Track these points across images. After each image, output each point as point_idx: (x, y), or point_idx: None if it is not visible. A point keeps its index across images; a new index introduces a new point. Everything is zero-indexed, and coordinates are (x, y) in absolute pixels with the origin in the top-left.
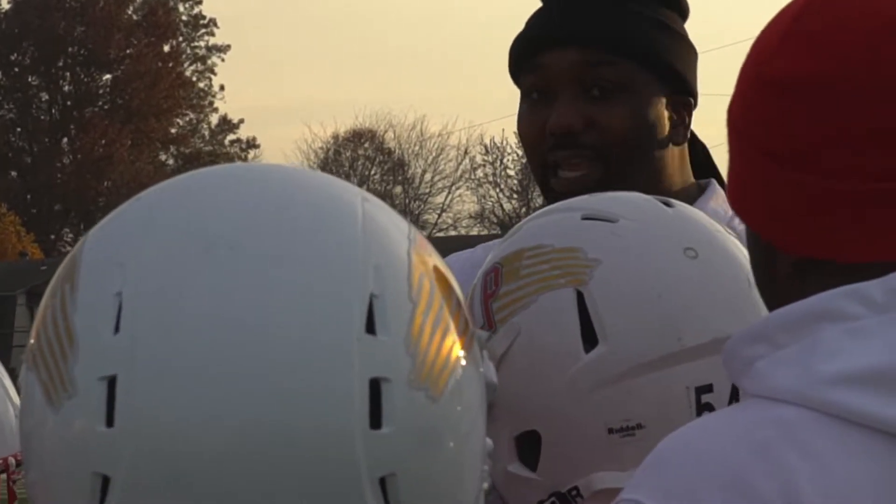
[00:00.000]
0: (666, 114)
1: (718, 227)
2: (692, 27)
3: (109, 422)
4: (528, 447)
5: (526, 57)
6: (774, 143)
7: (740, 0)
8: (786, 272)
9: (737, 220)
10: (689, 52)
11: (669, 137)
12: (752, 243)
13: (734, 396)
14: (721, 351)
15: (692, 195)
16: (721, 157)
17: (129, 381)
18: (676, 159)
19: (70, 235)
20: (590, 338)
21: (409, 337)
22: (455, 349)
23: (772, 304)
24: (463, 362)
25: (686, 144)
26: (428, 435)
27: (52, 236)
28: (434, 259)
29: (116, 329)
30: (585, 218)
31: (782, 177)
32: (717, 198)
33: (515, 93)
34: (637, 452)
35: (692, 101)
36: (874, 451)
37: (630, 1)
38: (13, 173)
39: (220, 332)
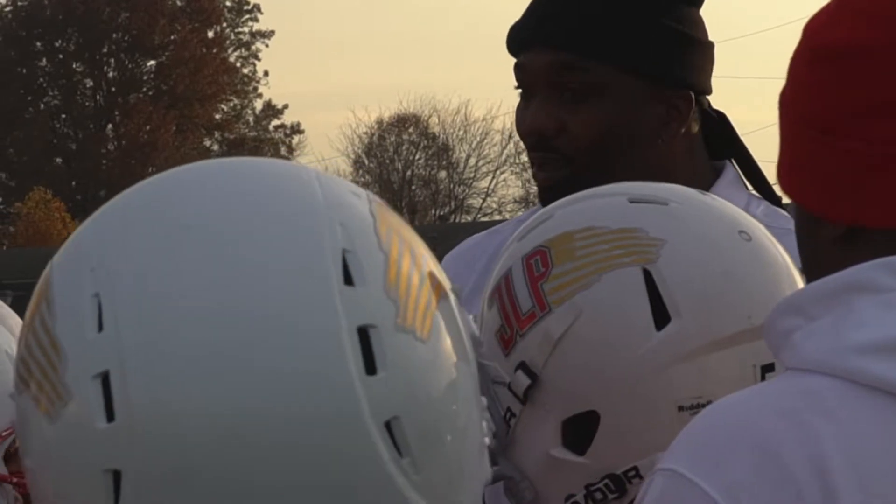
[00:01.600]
0: (654, 111)
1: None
2: (736, 12)
3: (110, 417)
4: (577, 431)
5: (512, 54)
6: (824, 113)
7: None
8: (833, 244)
9: (755, 202)
10: (686, 45)
11: (656, 135)
12: (800, 218)
13: None
14: None
15: (706, 185)
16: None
17: (122, 374)
18: (679, 151)
19: None
20: (660, 315)
21: (388, 284)
22: (433, 297)
23: (817, 277)
24: (442, 309)
25: (694, 133)
26: (423, 375)
27: None
28: (396, 219)
29: (100, 327)
30: (633, 201)
31: (832, 146)
32: (730, 183)
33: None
34: None
35: (691, 93)
36: None
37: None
38: (58, 160)
39: (202, 311)
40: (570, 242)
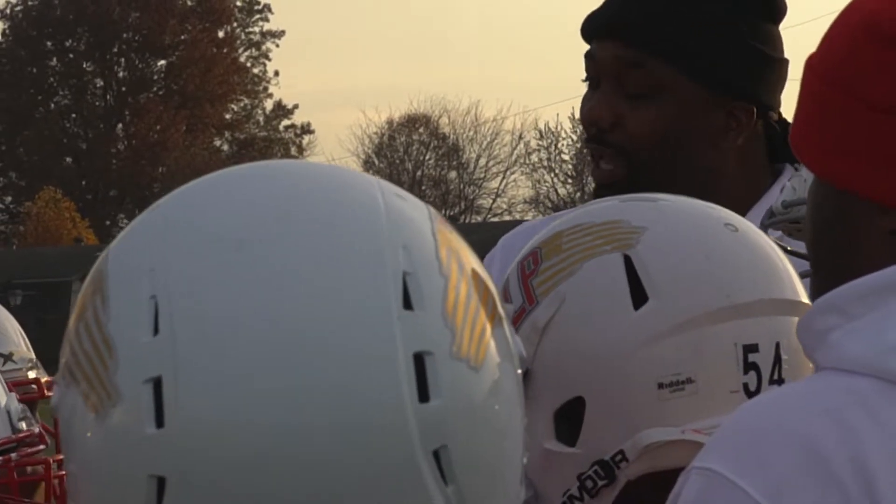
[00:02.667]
0: (714, 119)
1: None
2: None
3: (159, 423)
4: (567, 422)
5: (585, 41)
6: (886, 94)
7: None
8: (886, 235)
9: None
10: (756, 58)
11: (714, 142)
12: (850, 204)
13: (777, 360)
14: (766, 312)
15: (761, 191)
16: None
17: (175, 381)
18: (735, 160)
19: (125, 221)
20: (639, 297)
21: (445, 310)
22: (488, 322)
23: (867, 268)
24: (496, 335)
25: (751, 144)
26: (474, 404)
27: (108, 222)
28: (455, 238)
29: (156, 331)
30: (625, 201)
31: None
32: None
33: (569, 78)
34: (685, 408)
35: (755, 109)
36: None
37: (689, 4)
38: (68, 159)
39: (260, 326)
40: (559, 240)
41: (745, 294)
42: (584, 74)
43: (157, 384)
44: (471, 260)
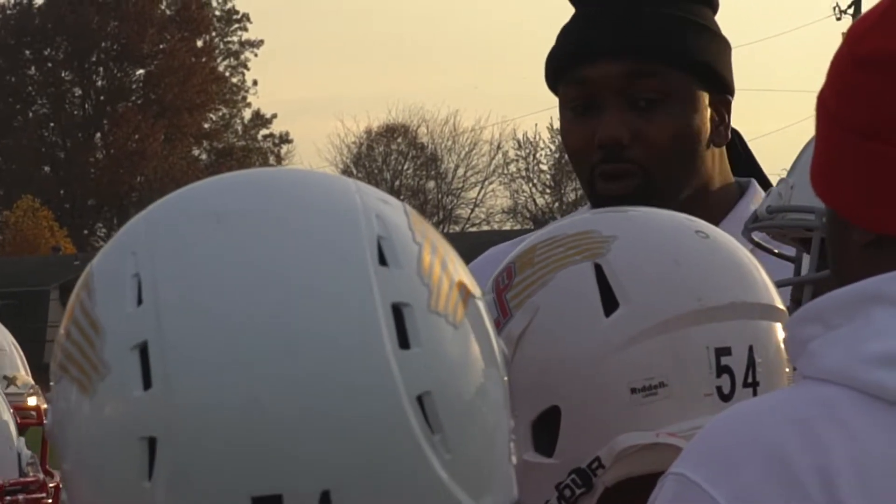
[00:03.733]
0: (708, 115)
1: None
2: (733, 21)
3: (147, 385)
4: (544, 433)
5: (568, 69)
6: (863, 118)
7: None
8: (861, 249)
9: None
10: (725, 48)
11: (711, 139)
12: (831, 221)
13: (750, 363)
14: (738, 316)
15: (732, 197)
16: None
17: (160, 343)
18: (716, 160)
19: (103, 230)
20: (610, 304)
21: (421, 269)
22: (463, 292)
23: (844, 280)
24: (476, 308)
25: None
26: (455, 356)
27: (85, 231)
28: (427, 224)
29: (139, 301)
30: (597, 213)
31: (871, 152)
32: (758, 199)
33: (547, 88)
34: (659, 412)
35: (730, 98)
36: None
37: (662, 3)
38: (46, 168)
39: (242, 286)
40: (532, 253)
41: (717, 297)
42: None
43: (144, 350)
44: (443, 245)
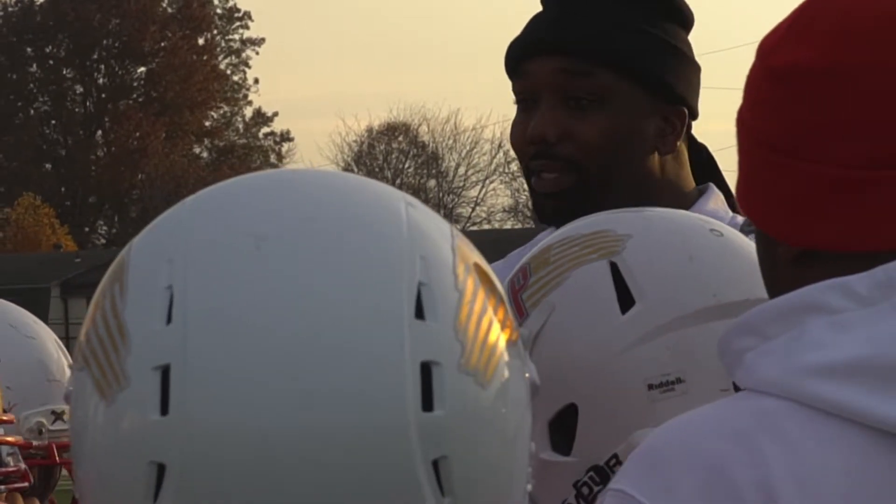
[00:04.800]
0: (653, 124)
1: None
2: (706, 27)
3: (164, 410)
4: (561, 432)
5: (513, 63)
6: (775, 132)
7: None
8: (788, 264)
9: (739, 219)
10: (684, 64)
11: (653, 147)
12: (758, 237)
13: None
14: None
15: (690, 201)
16: (730, 158)
17: (183, 370)
18: (669, 167)
19: (104, 227)
20: (626, 302)
21: (458, 323)
22: (501, 341)
23: (775, 295)
24: (508, 355)
25: (682, 151)
26: (478, 419)
27: (86, 228)
28: (476, 256)
29: (168, 320)
30: (611, 213)
31: (783, 166)
32: (717, 200)
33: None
34: (676, 408)
35: (686, 110)
36: (852, 442)
37: (622, 13)
38: (48, 165)
39: (271, 322)
40: (547, 253)
41: (733, 294)
42: None
43: (166, 372)
44: (489, 281)
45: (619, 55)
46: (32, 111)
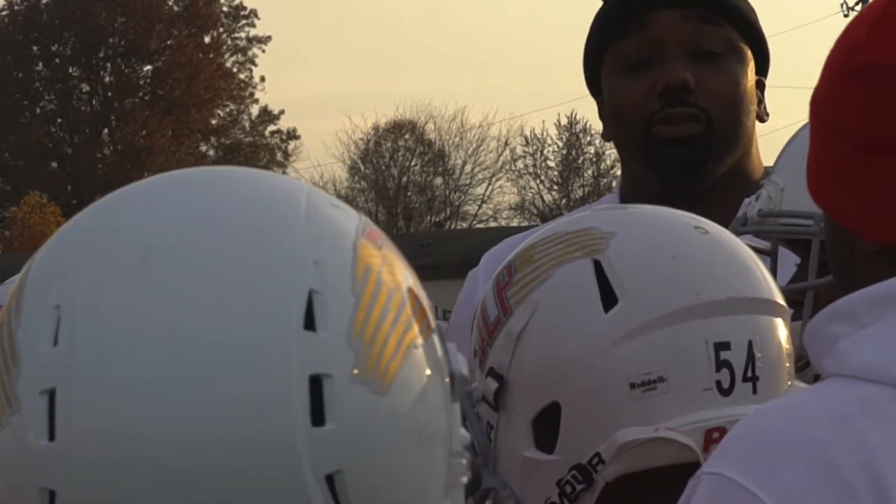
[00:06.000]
0: (756, 89)
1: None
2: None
3: (51, 435)
4: (545, 429)
5: (628, 21)
6: (860, 129)
7: None
8: (867, 258)
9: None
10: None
11: (758, 114)
12: (831, 231)
13: (750, 358)
14: (737, 311)
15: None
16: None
17: (68, 394)
18: (755, 139)
19: None
20: (609, 300)
21: (352, 331)
22: (403, 344)
23: (853, 288)
24: (413, 358)
25: None
26: (376, 430)
27: None
28: (386, 251)
29: (55, 342)
30: (597, 210)
31: (869, 164)
32: None
33: (555, 84)
34: (658, 407)
35: (764, 81)
36: None
37: None
38: (54, 164)
39: (155, 340)
40: (532, 251)
41: (715, 292)
42: (571, 83)
43: (52, 396)
44: (397, 275)
45: (744, 14)
46: (38, 110)
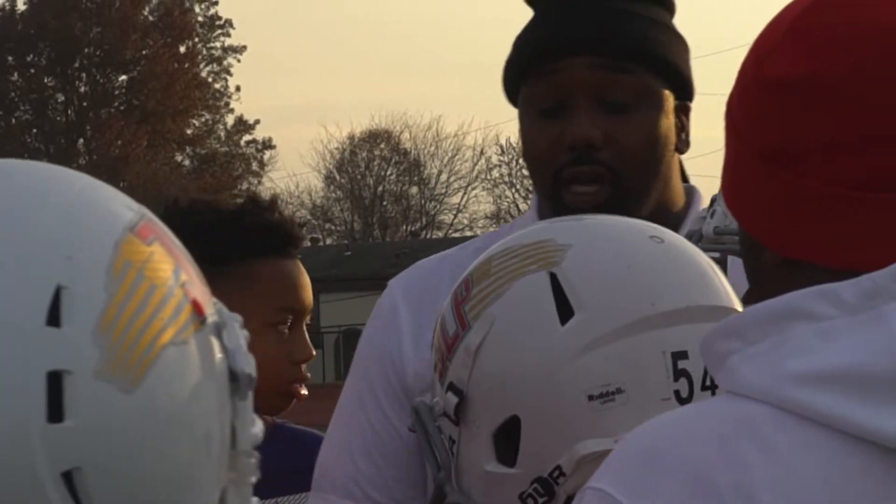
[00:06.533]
0: (675, 123)
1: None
2: (697, 28)
3: None
4: (506, 443)
5: (538, 66)
6: (765, 141)
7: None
8: (773, 268)
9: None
10: (687, 51)
11: (676, 146)
12: (743, 236)
13: None
14: (694, 319)
15: (686, 200)
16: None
17: None
18: (676, 166)
19: None
20: (565, 313)
21: (99, 328)
22: (160, 341)
23: (760, 297)
24: (172, 355)
25: None
26: (121, 427)
27: None
28: (157, 247)
29: None
30: (553, 221)
31: (771, 176)
32: (702, 200)
33: (506, 95)
34: (617, 418)
35: (690, 105)
36: (834, 451)
37: (643, 6)
38: None
39: None
40: (489, 264)
41: (671, 301)
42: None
43: None
44: (162, 271)
45: (657, 52)
46: (13, 120)
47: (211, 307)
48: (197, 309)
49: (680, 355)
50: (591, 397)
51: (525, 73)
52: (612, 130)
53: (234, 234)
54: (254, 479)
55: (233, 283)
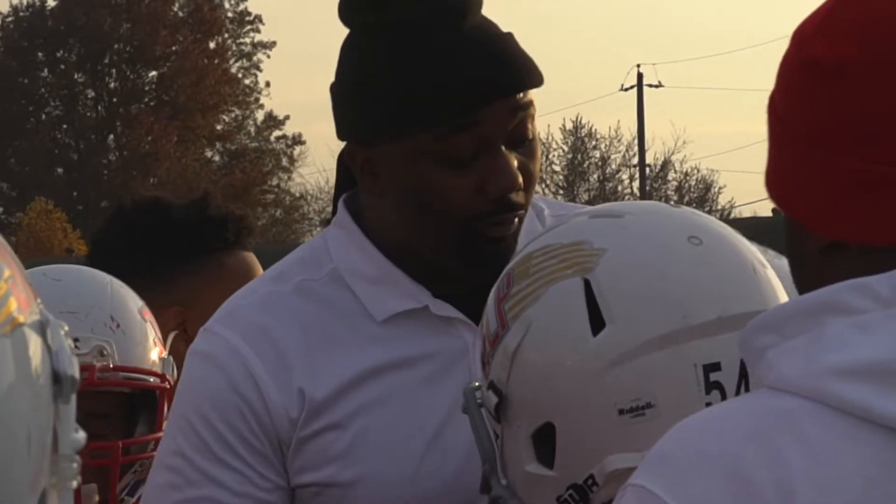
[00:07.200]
0: None
1: (724, 224)
2: (728, 24)
3: None
4: (545, 444)
5: (458, 116)
6: (810, 124)
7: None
8: (816, 254)
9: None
10: None
11: None
12: (787, 224)
13: (743, 375)
14: (727, 329)
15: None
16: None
17: None
18: None
19: None
20: (597, 323)
21: None
22: None
23: (803, 285)
24: None
25: None
26: None
27: None
28: None
29: None
30: (593, 217)
31: (813, 158)
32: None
33: (560, 90)
34: (648, 433)
35: None
36: (872, 444)
37: (492, 23)
38: (59, 170)
39: None
40: (528, 262)
41: (703, 313)
42: (576, 88)
43: None
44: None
45: (539, 70)
46: (44, 116)
47: (35, 306)
48: (20, 306)
49: (712, 367)
50: (621, 411)
51: (433, 121)
52: (521, 166)
53: (203, 228)
54: (74, 485)
55: (204, 278)
